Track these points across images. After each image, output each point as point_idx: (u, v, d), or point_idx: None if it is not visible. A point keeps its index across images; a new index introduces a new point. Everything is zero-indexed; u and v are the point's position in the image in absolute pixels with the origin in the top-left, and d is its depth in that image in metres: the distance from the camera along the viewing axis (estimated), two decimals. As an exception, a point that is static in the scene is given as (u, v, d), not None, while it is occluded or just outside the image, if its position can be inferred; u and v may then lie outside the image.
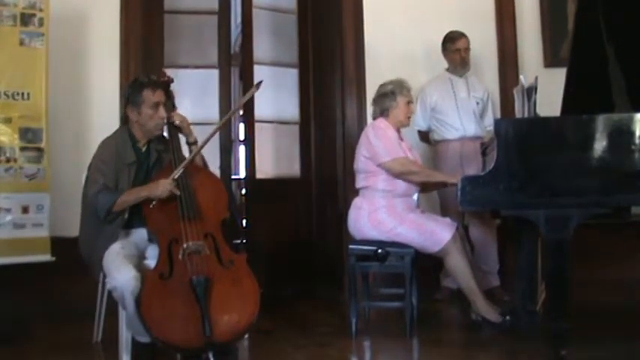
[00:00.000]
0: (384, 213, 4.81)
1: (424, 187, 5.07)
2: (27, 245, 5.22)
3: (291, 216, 7.20)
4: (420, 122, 6.19)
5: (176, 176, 4.27)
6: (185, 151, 4.55)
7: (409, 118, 5.10)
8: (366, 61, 6.52)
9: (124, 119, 4.50)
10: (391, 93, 5.03)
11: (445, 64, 6.25)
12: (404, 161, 4.86)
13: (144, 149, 4.49)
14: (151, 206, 4.21)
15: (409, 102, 5.06)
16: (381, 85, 5.11)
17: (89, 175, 4.35)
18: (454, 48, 6.14)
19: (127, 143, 4.42)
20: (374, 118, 5.15)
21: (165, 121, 4.46)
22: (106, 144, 4.43)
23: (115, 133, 4.52)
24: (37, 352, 4.55)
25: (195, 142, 4.53)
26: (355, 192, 5.06)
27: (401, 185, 4.87)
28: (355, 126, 6.33)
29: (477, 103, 6.14)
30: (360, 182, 5.00)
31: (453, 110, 6.05)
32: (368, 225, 4.82)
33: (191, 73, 6.91)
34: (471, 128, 6.03)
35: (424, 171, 5.00)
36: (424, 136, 6.28)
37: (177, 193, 4.23)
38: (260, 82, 4.54)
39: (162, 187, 4.20)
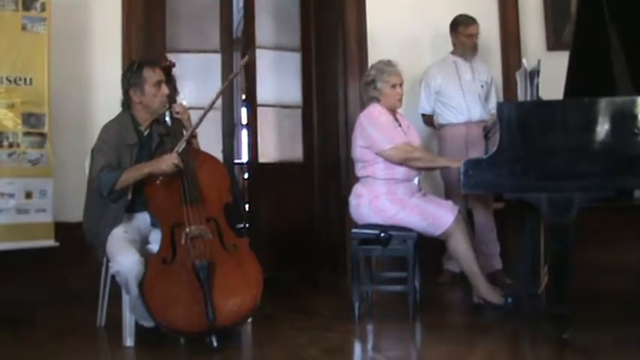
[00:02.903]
0: (386, 200, 4.79)
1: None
2: (30, 230, 5.23)
3: (294, 200, 7.21)
4: (424, 106, 6.17)
5: (180, 150, 4.28)
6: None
7: (399, 100, 4.99)
8: (369, 44, 6.50)
9: (126, 104, 4.50)
10: (372, 82, 4.95)
11: (449, 48, 6.22)
12: (405, 148, 4.81)
13: (146, 132, 4.50)
14: (158, 182, 4.23)
15: (394, 85, 4.93)
16: (368, 70, 5.06)
17: (92, 157, 4.37)
18: (467, 33, 6.08)
19: (129, 126, 4.44)
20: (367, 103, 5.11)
21: (167, 98, 4.46)
22: (107, 127, 4.45)
23: (117, 116, 4.53)
24: (41, 336, 4.56)
25: (195, 136, 4.54)
26: (357, 177, 5.04)
27: (400, 171, 4.83)
28: (357, 109, 6.27)
29: (482, 86, 6.11)
30: (359, 171, 4.96)
31: (458, 93, 6.02)
32: (370, 212, 4.80)
33: (193, 57, 6.91)
34: (476, 111, 6.00)
35: (426, 156, 4.95)
36: (428, 119, 6.25)
37: (182, 166, 4.24)
38: (246, 55, 4.56)
39: (167, 161, 4.22)
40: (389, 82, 4.92)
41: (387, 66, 4.97)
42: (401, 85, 4.98)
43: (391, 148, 4.77)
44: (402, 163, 4.80)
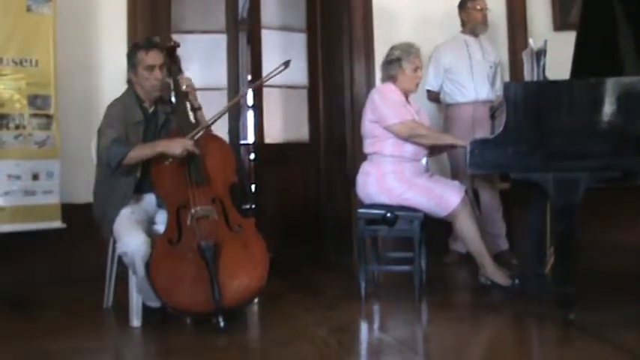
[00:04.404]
0: (393, 179, 4.79)
1: (431, 151, 5.05)
2: (38, 212, 5.24)
3: (300, 180, 7.22)
4: (431, 82, 6.15)
5: (196, 137, 4.28)
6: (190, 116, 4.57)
7: (417, 84, 5.00)
8: (375, 25, 6.48)
9: (130, 81, 4.52)
10: (397, 60, 4.93)
11: (457, 26, 6.20)
12: (412, 124, 4.81)
13: (151, 110, 4.51)
14: (167, 163, 4.24)
15: (416, 68, 4.94)
16: (390, 50, 5.05)
17: (101, 131, 4.38)
18: (477, 7, 6.09)
19: (134, 103, 4.45)
20: (382, 82, 5.11)
21: (160, 83, 4.46)
22: (113, 104, 4.46)
23: (122, 94, 4.55)
24: (48, 317, 4.59)
25: (200, 108, 4.56)
26: (364, 156, 5.04)
27: (409, 150, 4.84)
28: (363, 90, 6.30)
29: (491, 67, 6.10)
30: (367, 148, 4.97)
31: (467, 72, 6.01)
32: (377, 191, 4.81)
33: (198, 38, 6.90)
34: (483, 91, 6.00)
35: (432, 134, 4.95)
36: (433, 96, 6.24)
37: (197, 152, 4.26)
38: (289, 60, 4.53)
39: (182, 145, 4.22)
40: (414, 63, 4.93)
41: (411, 48, 4.97)
42: (420, 69, 4.99)
43: (397, 123, 4.77)
44: (408, 138, 4.79)
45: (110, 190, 4.34)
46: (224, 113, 4.51)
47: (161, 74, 4.43)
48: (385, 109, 4.82)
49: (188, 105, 4.54)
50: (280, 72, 4.58)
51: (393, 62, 4.96)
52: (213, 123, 4.46)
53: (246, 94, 4.85)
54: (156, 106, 4.52)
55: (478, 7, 6.09)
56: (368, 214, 4.82)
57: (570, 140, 3.91)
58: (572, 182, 3.87)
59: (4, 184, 5.12)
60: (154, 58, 4.42)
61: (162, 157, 4.25)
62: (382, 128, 4.83)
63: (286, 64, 4.53)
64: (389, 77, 4.99)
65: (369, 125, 4.91)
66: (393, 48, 5.03)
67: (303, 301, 4.86)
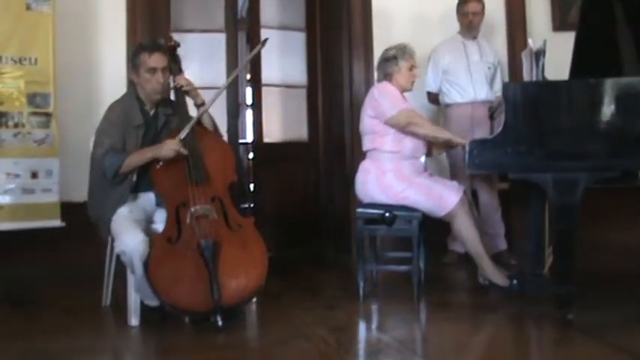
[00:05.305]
0: (392, 177, 4.79)
1: (430, 151, 5.05)
2: (37, 210, 5.24)
3: (299, 180, 7.22)
4: (430, 83, 6.16)
5: (182, 136, 4.28)
6: (193, 113, 4.57)
7: (412, 83, 5.01)
8: (374, 24, 6.48)
9: (131, 82, 4.52)
10: (393, 58, 4.95)
11: (456, 27, 6.21)
12: (409, 113, 4.82)
13: (151, 112, 4.50)
14: (158, 166, 4.24)
15: (412, 67, 4.97)
16: (385, 50, 5.07)
17: (96, 137, 4.38)
18: (463, 11, 6.09)
19: (134, 106, 4.44)
20: (378, 82, 5.12)
21: (162, 87, 4.44)
22: (113, 107, 4.45)
23: (123, 96, 4.55)
24: (47, 316, 4.58)
25: (203, 104, 4.54)
26: (363, 155, 5.04)
27: (408, 146, 4.83)
28: (362, 89, 6.29)
29: (489, 68, 6.11)
30: (366, 144, 4.97)
31: (465, 73, 6.02)
32: (376, 189, 4.81)
33: (198, 37, 6.90)
34: (482, 92, 6.00)
35: (429, 125, 4.94)
36: (434, 97, 6.24)
37: (185, 152, 4.25)
38: (266, 39, 4.57)
39: (168, 147, 4.22)
40: (409, 62, 4.96)
41: (407, 47, 5.00)
42: (416, 68, 5.01)
43: (396, 113, 4.78)
44: (406, 127, 4.79)
45: (106, 193, 4.33)
46: (207, 108, 4.51)
47: (163, 77, 4.41)
48: (385, 102, 4.82)
49: (191, 102, 4.55)
50: (259, 50, 4.77)
51: (389, 60, 4.98)
52: (198, 120, 4.44)
53: (226, 85, 4.89)
54: (156, 109, 4.51)
55: (463, 11, 6.11)
56: (366, 214, 4.81)
57: (569, 140, 3.92)
58: (571, 182, 3.88)
59: (3, 183, 5.13)
60: (156, 60, 4.40)
61: (155, 160, 4.26)
62: (382, 123, 4.84)
63: (263, 42, 4.58)
64: (385, 75, 5.00)
65: (368, 121, 4.91)
66: (388, 49, 5.05)
67: (302, 300, 4.87)
